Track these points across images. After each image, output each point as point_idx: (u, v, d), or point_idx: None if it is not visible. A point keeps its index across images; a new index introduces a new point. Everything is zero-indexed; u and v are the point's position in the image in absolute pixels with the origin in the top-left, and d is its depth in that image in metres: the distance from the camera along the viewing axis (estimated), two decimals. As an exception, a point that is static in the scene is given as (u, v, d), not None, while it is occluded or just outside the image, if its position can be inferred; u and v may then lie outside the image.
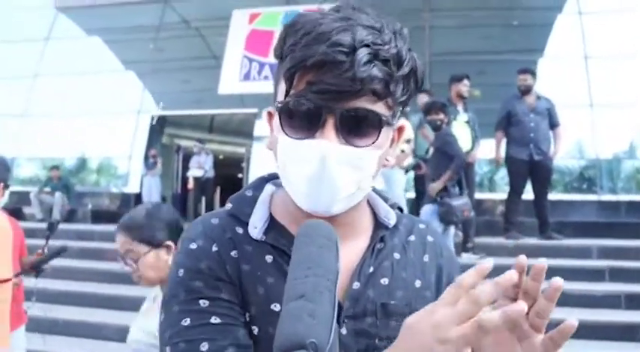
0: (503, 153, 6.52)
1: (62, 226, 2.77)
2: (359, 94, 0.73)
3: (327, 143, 0.73)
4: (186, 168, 11.65)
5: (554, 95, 6.86)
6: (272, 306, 0.79)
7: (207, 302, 0.78)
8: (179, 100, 11.78)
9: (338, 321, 0.76)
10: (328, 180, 0.74)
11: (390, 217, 0.90)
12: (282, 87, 0.78)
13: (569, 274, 5.27)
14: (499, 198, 8.17)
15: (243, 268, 0.81)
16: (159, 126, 11.58)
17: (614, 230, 6.91)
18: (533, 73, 6.44)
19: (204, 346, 0.75)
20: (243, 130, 12.12)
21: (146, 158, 10.92)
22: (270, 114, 0.85)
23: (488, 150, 7.24)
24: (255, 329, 0.79)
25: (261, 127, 10.46)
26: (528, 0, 10.10)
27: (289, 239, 0.80)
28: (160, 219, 1.83)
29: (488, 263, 0.62)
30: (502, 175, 8.52)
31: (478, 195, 7.53)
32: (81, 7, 11.84)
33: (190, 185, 11.18)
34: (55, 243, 2.66)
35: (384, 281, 0.84)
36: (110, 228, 9.07)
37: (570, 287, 5.09)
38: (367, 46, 0.72)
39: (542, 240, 6.26)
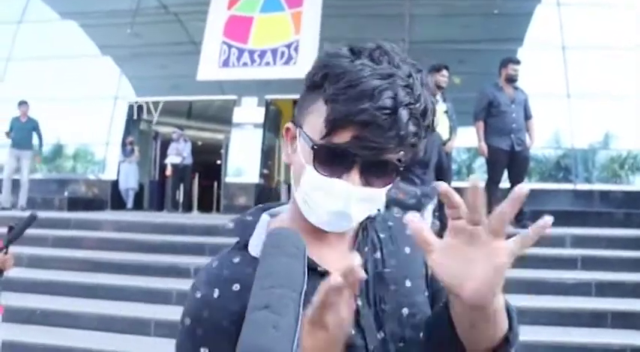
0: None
1: (38, 213, 2.71)
2: (397, 149, 0.81)
3: (352, 186, 0.81)
4: (164, 155, 11.55)
5: (532, 85, 6.91)
6: None
7: (207, 350, 0.83)
8: (157, 86, 11.62)
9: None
10: (348, 214, 0.83)
11: None
12: (316, 122, 0.82)
13: (543, 262, 5.37)
14: (476, 186, 8.22)
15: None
16: (136, 113, 11.44)
17: (588, 219, 7.04)
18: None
19: None
20: (221, 117, 12.03)
21: (123, 145, 10.81)
22: (288, 129, 0.91)
23: (465, 139, 7.28)
24: None
25: (239, 114, 10.40)
26: (508, -11, 10.16)
27: None
28: None
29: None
30: (480, 163, 8.58)
31: (455, 184, 7.58)
32: (55, -10, 11.59)
33: (168, 172, 11.10)
34: (28, 230, 2.60)
35: (377, 254, 0.94)
36: (86, 215, 8.98)
37: (543, 275, 5.17)
38: (406, 105, 0.78)
39: (518, 229, 6.34)
